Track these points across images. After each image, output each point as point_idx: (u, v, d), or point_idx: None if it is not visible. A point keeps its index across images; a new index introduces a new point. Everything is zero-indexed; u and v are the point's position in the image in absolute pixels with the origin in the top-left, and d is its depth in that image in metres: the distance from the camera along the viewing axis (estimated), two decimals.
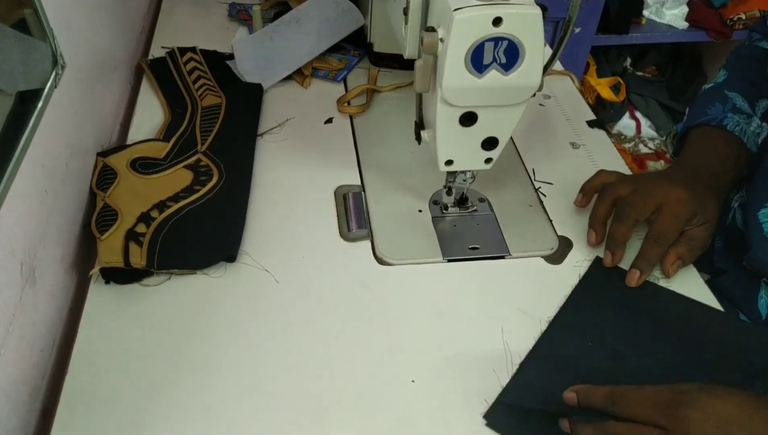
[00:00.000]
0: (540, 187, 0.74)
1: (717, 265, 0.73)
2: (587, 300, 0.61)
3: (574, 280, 0.63)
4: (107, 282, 0.59)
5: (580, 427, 0.49)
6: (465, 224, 0.70)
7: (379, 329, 0.58)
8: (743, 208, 0.71)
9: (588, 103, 0.89)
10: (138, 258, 0.60)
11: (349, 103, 0.85)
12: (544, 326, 0.59)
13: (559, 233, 0.68)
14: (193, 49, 0.89)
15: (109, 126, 0.79)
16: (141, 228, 0.62)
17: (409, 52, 0.60)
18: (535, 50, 0.52)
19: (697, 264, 0.66)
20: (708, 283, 0.65)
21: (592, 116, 0.86)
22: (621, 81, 1.91)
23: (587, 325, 0.59)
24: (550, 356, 0.56)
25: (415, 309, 0.60)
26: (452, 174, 0.66)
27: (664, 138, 2.05)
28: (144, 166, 0.70)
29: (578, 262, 0.65)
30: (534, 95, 0.56)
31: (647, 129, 2.02)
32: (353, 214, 0.69)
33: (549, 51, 0.60)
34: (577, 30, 1.67)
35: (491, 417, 0.52)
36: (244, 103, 0.81)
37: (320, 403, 0.53)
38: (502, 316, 0.60)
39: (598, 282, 0.63)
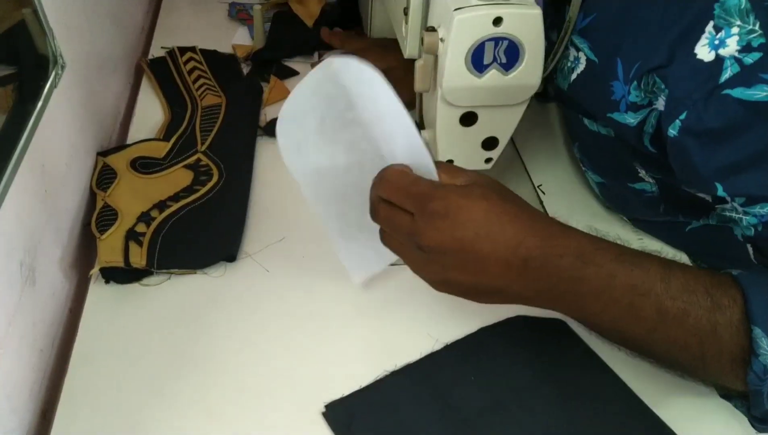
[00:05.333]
0: (541, 185, 0.74)
1: None
2: (499, 339, 0.57)
3: None
4: (107, 282, 0.59)
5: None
6: None
7: (379, 329, 0.58)
8: None
9: None
10: (138, 258, 0.60)
11: None
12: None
13: None
14: (193, 49, 0.89)
15: (109, 126, 0.79)
16: (141, 228, 0.62)
17: (409, 52, 0.60)
18: (535, 50, 0.52)
19: None
20: None
21: None
22: None
23: (484, 361, 0.55)
24: (424, 375, 0.54)
25: (415, 309, 0.60)
26: None
27: None
28: (144, 165, 0.70)
29: None
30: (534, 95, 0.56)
31: None
32: None
33: None
34: None
35: (331, 410, 0.51)
36: (244, 103, 0.81)
37: (321, 402, 0.52)
38: (502, 316, 0.60)
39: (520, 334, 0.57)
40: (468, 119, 0.58)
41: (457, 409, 0.52)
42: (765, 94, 0.44)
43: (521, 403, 0.53)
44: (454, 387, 0.53)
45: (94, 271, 0.59)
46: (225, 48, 0.91)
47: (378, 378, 0.54)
